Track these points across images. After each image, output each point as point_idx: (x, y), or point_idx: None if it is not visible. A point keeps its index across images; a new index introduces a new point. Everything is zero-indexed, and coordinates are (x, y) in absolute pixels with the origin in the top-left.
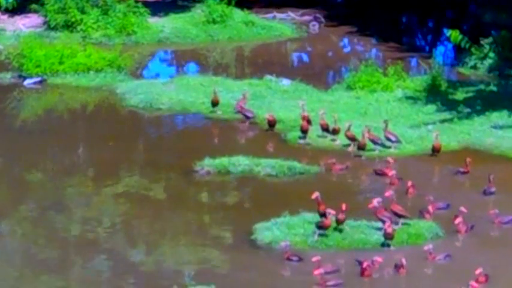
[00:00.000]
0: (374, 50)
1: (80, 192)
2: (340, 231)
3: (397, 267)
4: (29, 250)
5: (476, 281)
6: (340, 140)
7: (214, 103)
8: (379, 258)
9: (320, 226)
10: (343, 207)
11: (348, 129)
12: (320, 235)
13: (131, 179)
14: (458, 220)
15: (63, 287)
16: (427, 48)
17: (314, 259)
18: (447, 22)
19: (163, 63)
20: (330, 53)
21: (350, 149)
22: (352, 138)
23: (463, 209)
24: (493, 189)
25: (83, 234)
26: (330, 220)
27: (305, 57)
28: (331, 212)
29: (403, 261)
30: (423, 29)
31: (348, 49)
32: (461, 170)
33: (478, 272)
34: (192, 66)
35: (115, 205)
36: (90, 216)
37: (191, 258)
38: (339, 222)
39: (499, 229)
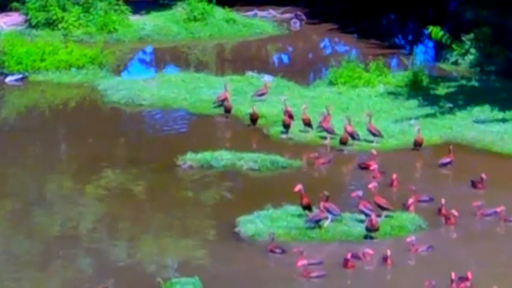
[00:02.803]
0: (355, 47)
1: (62, 188)
2: (318, 221)
3: (383, 259)
4: (11, 247)
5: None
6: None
7: (223, 99)
8: (370, 251)
9: (317, 220)
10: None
11: (324, 120)
12: (307, 228)
13: (113, 174)
14: (450, 212)
15: (46, 284)
16: (407, 46)
17: (295, 250)
18: (428, 21)
19: (145, 61)
20: (311, 50)
21: (327, 141)
22: (330, 130)
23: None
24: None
25: (65, 230)
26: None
27: (286, 54)
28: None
29: (389, 252)
30: (404, 28)
31: (329, 46)
32: (445, 161)
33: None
34: (173, 63)
35: (97, 200)
36: (73, 212)
37: (175, 252)
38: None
39: (482, 221)
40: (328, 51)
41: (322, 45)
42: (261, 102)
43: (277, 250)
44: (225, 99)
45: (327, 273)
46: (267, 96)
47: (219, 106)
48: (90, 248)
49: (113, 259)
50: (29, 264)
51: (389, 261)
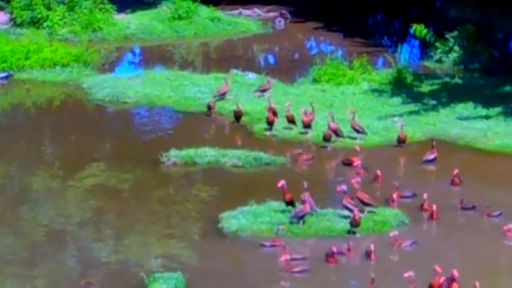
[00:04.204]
0: (340, 45)
1: (47, 185)
2: (302, 217)
3: (367, 254)
4: None
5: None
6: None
7: (223, 93)
8: (351, 242)
9: (302, 215)
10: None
11: (305, 115)
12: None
13: (98, 171)
14: (434, 207)
15: (31, 280)
16: (392, 44)
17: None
18: (413, 19)
19: (130, 59)
20: (295, 48)
21: (308, 136)
22: (308, 125)
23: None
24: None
25: (50, 227)
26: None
27: (271, 53)
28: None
29: (372, 247)
30: (390, 26)
31: (313, 44)
32: (429, 157)
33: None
34: (158, 61)
35: (82, 197)
36: (58, 209)
37: (159, 247)
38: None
39: (465, 217)
40: (312, 49)
41: (306, 43)
42: (246, 100)
43: (266, 244)
44: (224, 93)
45: (310, 268)
46: (269, 92)
47: (219, 100)
48: (75, 244)
49: (97, 255)
50: (14, 261)
51: (373, 256)
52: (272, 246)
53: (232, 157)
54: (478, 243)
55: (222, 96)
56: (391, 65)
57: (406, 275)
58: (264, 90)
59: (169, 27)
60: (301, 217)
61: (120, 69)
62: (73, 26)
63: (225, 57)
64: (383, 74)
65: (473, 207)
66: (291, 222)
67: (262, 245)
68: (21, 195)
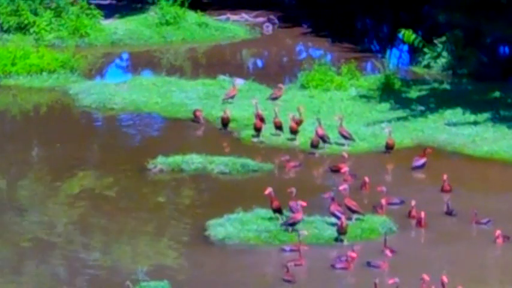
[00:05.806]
0: (328, 51)
1: (34, 192)
2: (293, 225)
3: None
4: None
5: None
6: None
7: (231, 96)
8: (353, 254)
9: (292, 223)
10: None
11: (292, 120)
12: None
13: (85, 178)
14: (422, 214)
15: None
16: (381, 50)
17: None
18: (401, 24)
19: (117, 65)
20: (283, 54)
21: (296, 142)
22: (295, 131)
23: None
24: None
25: (37, 234)
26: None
27: (259, 58)
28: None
29: (389, 253)
30: (377, 31)
31: (301, 50)
32: (418, 163)
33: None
34: (145, 67)
35: (69, 204)
36: (45, 217)
37: (145, 255)
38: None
39: (453, 224)
40: (300, 54)
41: (294, 48)
42: (233, 106)
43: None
44: (233, 96)
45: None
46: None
47: (229, 103)
48: (61, 251)
49: (83, 263)
50: (1, 269)
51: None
52: (292, 251)
53: (219, 164)
54: (466, 250)
55: (230, 99)
56: (380, 70)
57: (390, 281)
58: (275, 98)
59: (157, 33)
60: (291, 225)
61: (107, 75)
62: (60, 32)
63: (212, 63)
64: (371, 80)
65: (451, 212)
66: (281, 230)
67: (283, 250)
68: (7, 201)
